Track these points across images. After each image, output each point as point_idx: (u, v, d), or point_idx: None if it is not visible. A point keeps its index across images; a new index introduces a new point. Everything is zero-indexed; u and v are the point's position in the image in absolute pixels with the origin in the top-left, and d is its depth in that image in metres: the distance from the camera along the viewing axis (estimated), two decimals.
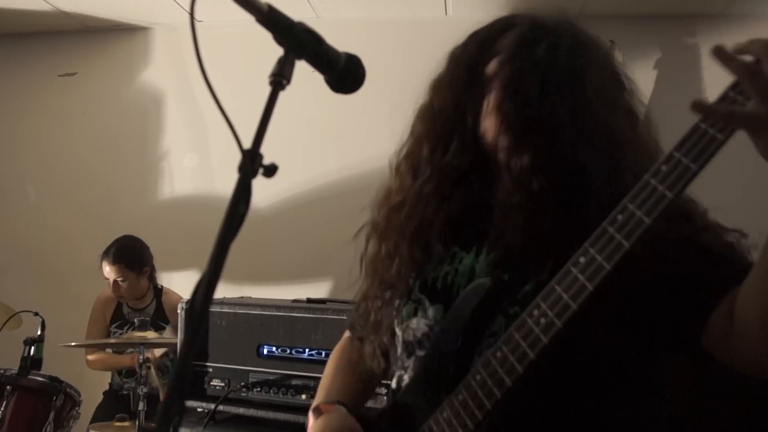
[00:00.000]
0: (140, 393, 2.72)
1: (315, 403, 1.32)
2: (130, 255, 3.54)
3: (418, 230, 1.23)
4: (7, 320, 2.80)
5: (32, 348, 2.72)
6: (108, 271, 3.50)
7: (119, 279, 3.48)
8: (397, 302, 1.26)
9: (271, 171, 1.03)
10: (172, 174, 4.30)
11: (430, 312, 1.20)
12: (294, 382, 2.33)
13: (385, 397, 1.90)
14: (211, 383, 2.41)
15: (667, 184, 0.91)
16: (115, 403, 3.48)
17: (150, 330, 2.95)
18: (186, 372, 0.90)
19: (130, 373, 3.54)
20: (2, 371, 2.72)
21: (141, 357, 2.78)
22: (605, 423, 1.11)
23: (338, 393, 1.34)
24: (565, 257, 1.00)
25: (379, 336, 1.29)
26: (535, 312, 1.00)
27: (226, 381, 2.39)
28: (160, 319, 3.58)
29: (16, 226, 4.50)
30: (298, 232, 3.99)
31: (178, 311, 2.46)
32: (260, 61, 4.51)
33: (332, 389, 1.36)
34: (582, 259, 0.97)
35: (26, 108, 4.56)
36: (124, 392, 3.47)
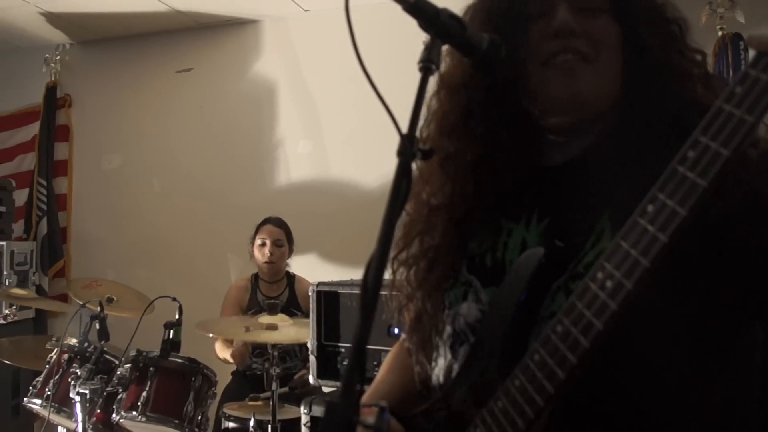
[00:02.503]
0: (273, 373, 2.82)
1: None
2: (289, 228, 3.76)
3: (456, 201, 1.13)
4: (148, 306, 2.95)
5: (171, 331, 2.84)
6: (269, 232, 3.68)
7: (279, 240, 3.67)
8: (441, 286, 1.15)
9: (427, 154, 1.04)
10: (288, 161, 4.42)
11: (483, 295, 1.09)
12: None
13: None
14: (344, 363, 2.47)
15: (745, 105, 0.78)
16: (244, 383, 3.62)
17: (280, 314, 3.04)
18: (363, 353, 0.91)
19: (259, 353, 3.67)
20: (145, 353, 2.86)
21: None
22: (688, 403, 0.95)
23: (383, 392, 1.25)
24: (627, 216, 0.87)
25: (421, 330, 1.17)
26: (599, 275, 0.84)
27: None
28: (293, 306, 3.66)
29: (143, 217, 4.76)
30: None
31: (309, 293, 2.54)
32: (364, 47, 4.56)
33: (378, 389, 1.28)
34: (650, 208, 0.82)
35: (148, 104, 4.79)
36: (257, 372, 3.59)
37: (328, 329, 2.52)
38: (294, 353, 3.63)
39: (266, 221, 3.74)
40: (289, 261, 3.81)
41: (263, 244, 3.67)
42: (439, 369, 1.15)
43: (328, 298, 2.53)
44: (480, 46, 1.05)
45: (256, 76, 4.52)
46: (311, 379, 2.56)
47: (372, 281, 0.91)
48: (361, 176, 4.21)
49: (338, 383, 2.44)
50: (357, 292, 2.42)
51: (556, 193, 1.06)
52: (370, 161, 4.18)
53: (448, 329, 1.13)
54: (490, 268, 1.09)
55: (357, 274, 3.69)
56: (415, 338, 1.20)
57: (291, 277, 3.78)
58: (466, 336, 1.10)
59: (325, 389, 2.62)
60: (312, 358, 2.52)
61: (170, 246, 4.68)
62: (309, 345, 2.54)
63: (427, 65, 1.02)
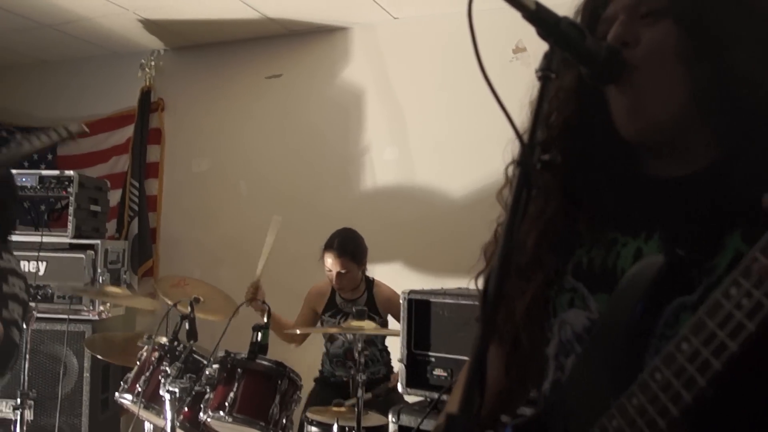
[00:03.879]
0: (359, 380, 2.80)
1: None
2: (354, 248, 3.60)
3: (560, 210, 1.09)
4: (238, 308, 2.99)
5: (259, 334, 2.86)
6: (332, 263, 3.56)
7: (343, 271, 3.54)
8: (543, 291, 1.09)
9: (548, 165, 1.01)
10: (374, 167, 4.42)
11: (591, 303, 1.03)
12: None
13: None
14: (434, 372, 2.45)
15: None
16: (327, 389, 3.63)
17: (366, 320, 3.03)
18: (483, 364, 0.89)
19: (340, 362, 3.67)
20: (233, 354, 2.89)
21: (359, 345, 2.85)
22: None
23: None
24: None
25: (526, 338, 1.12)
26: (733, 291, 0.77)
27: (449, 371, 2.41)
28: (371, 311, 3.59)
29: (230, 219, 4.84)
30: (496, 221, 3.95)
31: (400, 301, 2.52)
32: (453, 55, 4.52)
33: (457, 398, 1.27)
34: None
35: (237, 109, 4.88)
36: (342, 378, 3.59)
37: (418, 338, 2.49)
38: (377, 358, 3.61)
39: (329, 245, 3.59)
40: (369, 267, 3.77)
41: (330, 270, 3.59)
42: (546, 383, 1.10)
43: (419, 306, 2.50)
44: (598, 55, 1.02)
45: (344, 83, 4.55)
46: (400, 388, 2.53)
47: (493, 293, 0.89)
48: (447, 184, 4.17)
49: (427, 393, 2.41)
50: (448, 301, 2.41)
51: (674, 207, 1.00)
52: (456, 169, 4.14)
53: (555, 339, 1.09)
54: (598, 274, 1.03)
55: (441, 282, 3.65)
56: (519, 347, 1.15)
57: (370, 282, 3.74)
58: (572, 346, 1.05)
59: (414, 398, 2.58)
60: (401, 367, 2.49)
61: (255, 249, 4.72)
62: (399, 353, 2.51)
63: (546, 74, 1.00)
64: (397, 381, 3.32)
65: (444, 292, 2.48)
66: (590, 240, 1.07)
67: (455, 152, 4.16)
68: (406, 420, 2.44)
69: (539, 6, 0.98)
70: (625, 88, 1.01)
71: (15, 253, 4.05)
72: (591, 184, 1.09)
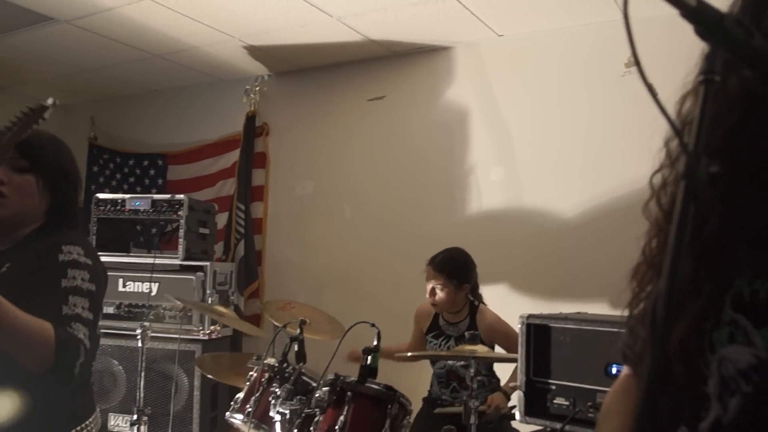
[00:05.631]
0: (472, 407, 2.72)
1: None
2: (455, 267, 3.55)
3: (724, 225, 0.98)
4: (348, 330, 2.94)
5: (369, 357, 2.82)
6: (427, 276, 3.56)
7: (438, 286, 3.52)
8: (699, 324, 0.99)
9: (715, 178, 0.91)
10: (479, 188, 4.34)
11: (756, 338, 0.94)
12: None
13: None
14: (554, 401, 2.33)
15: None
16: (433, 412, 3.56)
17: (479, 344, 2.94)
18: (654, 394, 0.81)
19: (446, 384, 3.59)
20: (342, 377, 2.86)
21: (472, 370, 2.77)
22: None
23: None
24: None
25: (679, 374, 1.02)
26: None
27: (571, 399, 2.29)
28: None
29: (334, 242, 4.86)
30: (608, 242, 3.79)
31: (519, 325, 2.43)
32: (559, 72, 4.40)
33: None
34: None
35: (340, 132, 4.92)
36: (444, 401, 3.52)
37: (537, 364, 2.38)
38: (483, 384, 3.52)
39: (432, 260, 3.58)
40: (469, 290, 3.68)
41: (428, 283, 3.57)
42: (705, 423, 1.00)
43: (539, 331, 2.40)
44: (766, 56, 0.92)
45: (448, 103, 4.50)
46: (518, 416, 2.42)
47: (662, 317, 0.81)
48: (557, 204, 4.04)
49: (548, 422, 2.30)
50: (570, 326, 2.28)
51: None
52: (566, 189, 4.01)
53: (714, 376, 0.98)
54: (763, 307, 0.93)
55: (550, 306, 3.51)
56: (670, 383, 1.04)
57: (474, 306, 3.65)
58: (738, 385, 0.95)
59: (530, 427, 2.48)
60: (520, 394, 2.39)
61: (359, 272, 4.73)
62: (518, 380, 2.41)
63: (709, 77, 0.90)
64: (496, 406, 3.22)
65: (565, 317, 2.36)
66: (753, 269, 0.97)
67: (564, 171, 4.03)
68: None
69: (700, 2, 0.90)
70: None
71: (129, 273, 4.22)
72: (756, 202, 0.98)
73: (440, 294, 3.52)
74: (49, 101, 1.35)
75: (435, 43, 4.51)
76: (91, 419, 1.80)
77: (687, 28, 0.83)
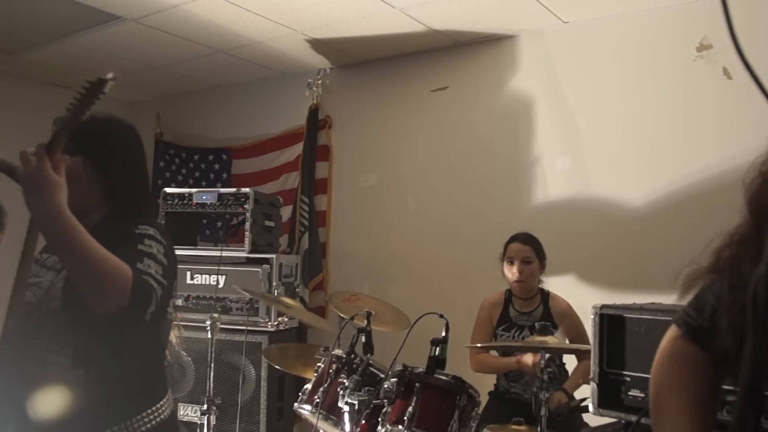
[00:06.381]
0: (542, 398, 2.68)
1: None
2: (537, 243, 3.59)
3: None
4: (416, 321, 2.91)
5: (437, 348, 2.80)
6: (516, 250, 3.54)
7: (526, 258, 3.52)
8: None
9: None
10: (545, 178, 4.26)
11: None
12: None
13: None
14: (629, 393, 2.27)
15: None
16: (502, 406, 3.52)
17: (550, 335, 2.89)
18: (758, 383, 0.77)
19: (516, 377, 3.55)
20: (410, 368, 2.85)
21: (543, 362, 2.73)
22: None
23: None
24: None
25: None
26: None
27: (647, 391, 2.22)
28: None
29: (398, 234, 4.85)
30: (678, 231, 3.68)
31: (591, 316, 2.37)
32: (627, 58, 4.29)
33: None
34: None
35: (403, 123, 4.90)
36: (525, 396, 3.48)
37: (611, 355, 2.32)
38: (555, 376, 3.46)
39: (513, 239, 3.61)
40: (543, 278, 3.64)
41: (512, 263, 3.54)
42: None
43: (612, 322, 2.33)
44: None
45: (512, 92, 4.43)
46: (591, 408, 2.37)
47: (764, 301, 0.77)
48: (624, 194, 3.94)
49: (622, 414, 2.24)
50: (645, 317, 2.21)
51: None
52: (634, 178, 3.91)
53: None
54: None
55: (618, 296, 3.43)
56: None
57: (545, 294, 3.61)
58: None
59: (602, 420, 2.41)
60: (593, 386, 2.33)
61: (423, 263, 4.71)
62: (591, 371, 2.35)
63: None
64: (565, 401, 3.16)
65: (640, 307, 2.29)
66: None
67: (632, 160, 3.93)
68: None
69: None
70: None
71: (196, 266, 4.28)
72: None
73: (529, 267, 3.53)
74: (109, 75, 1.34)
75: (499, 32, 4.45)
76: (164, 400, 1.80)
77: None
